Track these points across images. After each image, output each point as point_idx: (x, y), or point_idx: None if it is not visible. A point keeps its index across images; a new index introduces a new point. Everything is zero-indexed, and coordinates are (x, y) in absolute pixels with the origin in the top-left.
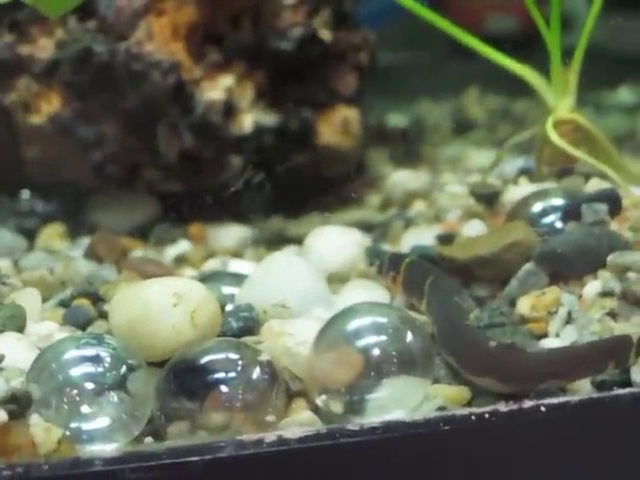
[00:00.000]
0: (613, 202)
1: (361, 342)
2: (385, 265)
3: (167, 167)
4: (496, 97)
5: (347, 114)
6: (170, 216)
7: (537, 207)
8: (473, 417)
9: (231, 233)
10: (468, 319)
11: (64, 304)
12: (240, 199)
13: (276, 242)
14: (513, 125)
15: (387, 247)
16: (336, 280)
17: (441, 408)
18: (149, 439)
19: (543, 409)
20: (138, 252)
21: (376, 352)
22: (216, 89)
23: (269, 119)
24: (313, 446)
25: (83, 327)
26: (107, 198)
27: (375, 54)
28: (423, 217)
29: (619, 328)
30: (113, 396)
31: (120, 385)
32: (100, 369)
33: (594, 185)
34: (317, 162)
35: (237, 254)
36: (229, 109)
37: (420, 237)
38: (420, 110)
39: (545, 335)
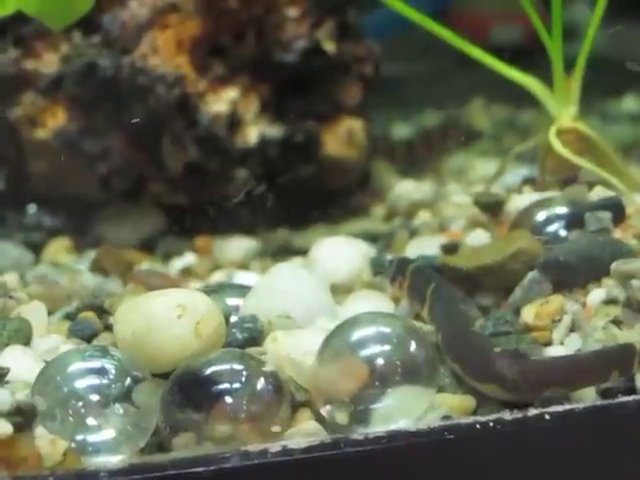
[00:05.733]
0: (617, 210)
1: (365, 352)
2: (392, 270)
3: (172, 180)
4: (502, 107)
5: (351, 125)
6: (176, 229)
7: (541, 216)
8: (478, 426)
9: (237, 245)
10: (473, 325)
11: (70, 317)
12: (246, 211)
13: (282, 253)
14: (519, 135)
15: (392, 257)
16: (341, 290)
17: (446, 417)
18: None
19: (547, 417)
20: (144, 265)
21: (380, 362)
22: (221, 102)
23: (274, 131)
24: (318, 456)
25: (88, 340)
26: (113, 211)
27: (379, 65)
28: (427, 227)
29: (623, 335)
30: (118, 408)
31: (125, 397)
32: (105, 381)
33: (598, 193)
34: (322, 173)
35: (243, 266)
36: (234, 122)
37: (424, 247)
38: (425, 120)
39: (549, 343)
